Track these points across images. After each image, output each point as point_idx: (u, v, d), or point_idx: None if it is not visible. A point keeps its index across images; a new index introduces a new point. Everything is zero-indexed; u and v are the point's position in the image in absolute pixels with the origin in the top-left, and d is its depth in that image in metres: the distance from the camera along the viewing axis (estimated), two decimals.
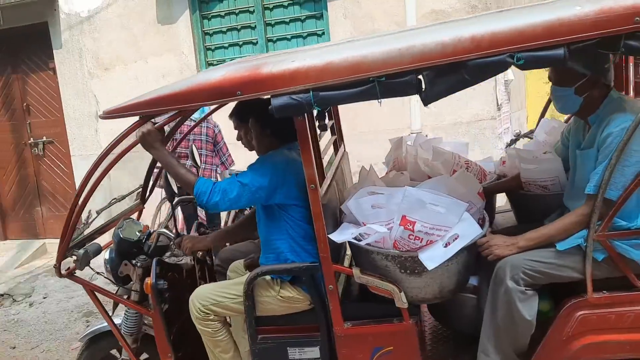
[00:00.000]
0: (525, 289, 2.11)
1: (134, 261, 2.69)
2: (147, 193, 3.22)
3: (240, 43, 5.79)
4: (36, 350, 4.37)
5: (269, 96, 2.07)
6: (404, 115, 5.27)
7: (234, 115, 2.58)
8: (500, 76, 5.01)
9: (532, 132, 3.14)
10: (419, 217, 2.06)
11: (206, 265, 3.14)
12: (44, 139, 6.93)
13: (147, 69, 6.07)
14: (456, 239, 2.10)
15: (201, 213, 4.27)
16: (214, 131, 4.60)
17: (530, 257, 2.12)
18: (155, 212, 4.56)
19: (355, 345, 2.29)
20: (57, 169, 6.95)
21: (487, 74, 1.92)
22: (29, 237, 7.18)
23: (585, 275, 2.06)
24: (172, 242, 2.72)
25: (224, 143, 4.70)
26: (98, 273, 2.74)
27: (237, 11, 5.71)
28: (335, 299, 2.24)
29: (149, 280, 2.55)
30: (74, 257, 2.56)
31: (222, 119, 3.11)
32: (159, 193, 3.40)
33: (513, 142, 3.42)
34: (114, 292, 2.87)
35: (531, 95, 7.18)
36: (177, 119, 2.42)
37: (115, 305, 2.98)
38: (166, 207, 4.34)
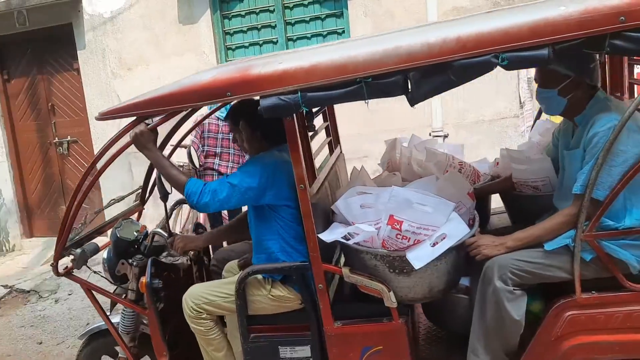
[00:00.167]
0: (514, 289, 2.11)
1: (130, 260, 2.73)
2: (147, 194, 3.27)
3: (261, 42, 5.81)
4: (62, 346, 4.45)
5: (258, 97, 2.10)
6: (425, 113, 5.24)
7: (228, 117, 2.62)
8: (523, 73, 4.96)
9: None
10: (407, 216, 2.07)
11: (203, 266, 3.18)
12: (69, 138, 7.01)
13: (168, 69, 6.09)
14: (444, 238, 2.10)
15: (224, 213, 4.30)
16: None
17: (518, 257, 2.12)
18: (177, 213, 4.58)
19: (345, 345, 2.31)
20: (82, 167, 7.02)
21: (472, 74, 1.93)
22: (54, 235, 7.17)
23: (573, 275, 2.06)
24: (166, 242, 2.75)
25: None
26: (95, 272, 2.79)
27: (257, 10, 5.74)
28: (325, 298, 2.25)
29: (144, 279, 2.58)
30: (72, 257, 2.62)
31: None
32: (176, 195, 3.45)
33: None
34: (112, 291, 2.91)
35: None
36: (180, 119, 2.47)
37: (113, 304, 3.02)
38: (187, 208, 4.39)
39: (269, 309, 2.41)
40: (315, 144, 3.00)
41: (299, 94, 2.01)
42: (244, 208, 2.85)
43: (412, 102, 1.99)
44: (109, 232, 3.02)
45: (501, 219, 2.94)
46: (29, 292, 5.70)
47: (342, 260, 2.47)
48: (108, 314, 3.00)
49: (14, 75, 7.03)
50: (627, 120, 1.89)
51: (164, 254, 2.85)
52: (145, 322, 2.86)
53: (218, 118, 4.17)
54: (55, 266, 2.56)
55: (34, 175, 7.30)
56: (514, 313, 2.11)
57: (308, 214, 2.17)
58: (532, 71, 5.02)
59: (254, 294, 2.40)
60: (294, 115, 2.11)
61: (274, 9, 5.68)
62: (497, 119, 5.07)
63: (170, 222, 4.45)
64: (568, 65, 1.94)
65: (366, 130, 5.28)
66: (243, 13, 5.82)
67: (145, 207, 3.25)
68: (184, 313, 2.53)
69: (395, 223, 2.07)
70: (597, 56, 2.09)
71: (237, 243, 3.07)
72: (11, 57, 6.99)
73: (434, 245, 2.09)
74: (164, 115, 2.26)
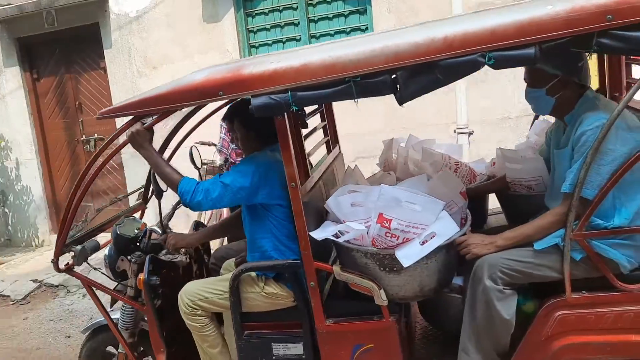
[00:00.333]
0: (503, 288, 2.11)
1: (129, 257, 2.77)
2: (150, 193, 3.31)
3: (284, 40, 5.82)
4: None
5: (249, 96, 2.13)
6: (450, 110, 5.20)
7: (225, 118, 2.66)
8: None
9: None
10: (396, 215, 2.08)
11: (203, 264, 3.23)
12: (95, 136, 7.13)
13: (193, 67, 6.00)
14: (433, 237, 2.11)
15: None
16: None
17: (508, 256, 2.11)
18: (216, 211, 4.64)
19: (336, 342, 2.32)
20: (108, 165, 7.11)
21: (459, 73, 1.94)
22: None
23: (563, 275, 2.05)
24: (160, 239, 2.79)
25: None
26: (95, 268, 2.84)
27: (280, 8, 5.75)
28: (317, 296, 2.27)
29: (142, 276, 2.63)
30: (72, 253, 2.68)
31: None
32: None
33: None
34: (113, 287, 2.97)
35: None
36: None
37: (114, 301, 3.07)
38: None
39: (263, 306, 2.44)
40: (315, 144, 3.03)
41: (289, 93, 2.04)
42: None
43: (401, 101, 2.01)
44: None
45: (498, 219, 2.94)
46: (57, 286, 5.81)
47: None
48: (110, 309, 3.06)
49: (43, 75, 7.17)
50: (615, 118, 1.87)
51: (163, 251, 2.90)
52: (145, 318, 2.91)
53: None
54: (55, 262, 2.62)
55: (62, 172, 7.44)
56: (503, 312, 2.11)
57: (299, 213, 2.19)
58: None
59: (247, 291, 2.43)
60: (285, 114, 2.13)
61: (297, 7, 5.68)
62: (522, 116, 4.96)
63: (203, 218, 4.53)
64: (555, 65, 1.94)
65: (388, 127, 5.22)
66: (266, 11, 5.84)
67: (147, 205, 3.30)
68: (179, 309, 2.57)
69: (385, 221, 2.09)
70: (586, 55, 2.07)
71: (235, 242, 3.10)
72: (40, 57, 7.13)
73: (423, 243, 2.10)
74: (158, 115, 2.30)
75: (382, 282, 2.21)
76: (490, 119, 5.15)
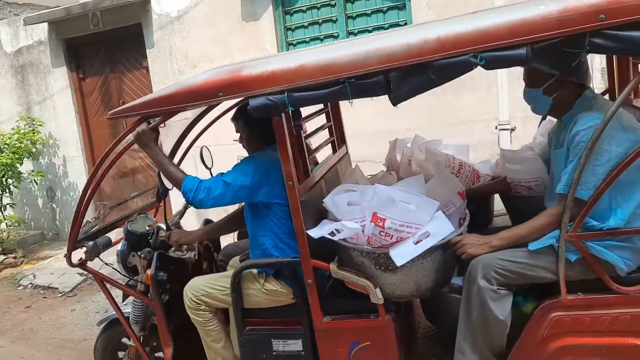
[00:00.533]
0: (498, 288, 2.11)
1: (139, 253, 2.87)
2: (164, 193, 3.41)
3: (322, 37, 5.81)
4: None
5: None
6: (491, 106, 5.09)
7: (233, 118, 2.72)
8: (597, 63, 4.71)
9: None
10: (390, 214, 2.10)
11: (213, 261, 3.30)
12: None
13: None
14: (427, 236, 2.12)
15: None
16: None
17: (503, 257, 2.11)
18: None
19: (334, 339, 2.36)
20: (151, 163, 7.21)
21: (452, 74, 1.95)
22: None
23: (558, 276, 2.04)
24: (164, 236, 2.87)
25: None
26: (107, 264, 2.95)
27: (318, 5, 5.75)
28: (314, 293, 2.31)
29: (149, 272, 2.71)
30: (84, 249, 2.79)
31: None
32: None
33: None
34: (124, 282, 3.07)
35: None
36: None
37: (125, 295, 3.17)
38: None
39: (263, 302, 2.49)
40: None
41: (286, 94, 2.09)
42: None
43: (395, 101, 2.03)
44: None
45: (504, 220, 2.92)
46: None
47: None
48: (122, 303, 3.17)
49: (88, 74, 7.37)
50: (609, 119, 1.86)
51: (173, 248, 2.98)
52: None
53: None
54: (68, 257, 2.73)
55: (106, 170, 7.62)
56: (498, 313, 2.10)
57: (297, 211, 2.24)
58: (604, 61, 4.76)
59: (248, 288, 2.48)
60: (282, 114, 2.18)
61: (335, 3, 5.66)
62: None
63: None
64: (549, 64, 1.93)
65: (430, 123, 5.12)
66: (304, 8, 5.83)
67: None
68: (184, 304, 2.64)
69: (379, 220, 2.11)
70: (584, 55, 2.05)
71: (244, 239, 3.16)
72: (86, 57, 7.33)
73: (417, 243, 2.12)
74: (162, 115, 2.37)
75: (379, 281, 2.23)
76: (532, 115, 4.96)
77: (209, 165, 3.47)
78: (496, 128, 4.96)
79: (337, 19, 5.69)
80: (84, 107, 7.43)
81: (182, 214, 3.41)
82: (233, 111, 2.72)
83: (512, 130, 5.00)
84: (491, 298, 2.11)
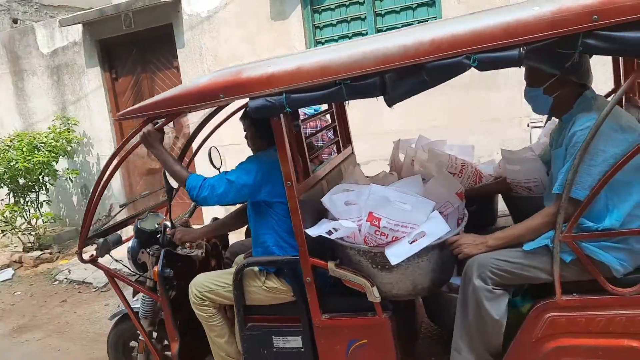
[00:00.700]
0: (493, 288, 2.11)
1: (148, 250, 2.95)
2: (175, 191, 3.49)
3: (350, 35, 5.82)
4: None
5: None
6: (523, 103, 5.01)
7: (241, 118, 2.79)
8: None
9: None
10: (385, 213, 2.13)
11: (221, 258, 3.37)
12: (169, 134, 7.29)
13: None
14: (423, 236, 2.14)
15: None
16: None
17: (498, 257, 2.12)
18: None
19: (332, 337, 2.39)
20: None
21: (446, 75, 1.97)
22: None
23: (553, 276, 2.04)
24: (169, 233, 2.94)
25: None
26: (117, 260, 3.03)
27: (347, 3, 5.76)
28: (313, 291, 2.35)
29: (156, 268, 2.79)
30: (95, 245, 2.88)
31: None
32: None
33: None
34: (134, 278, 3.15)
35: None
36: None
37: (135, 291, 3.26)
38: None
39: (264, 299, 2.54)
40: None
41: (284, 95, 2.13)
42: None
43: (390, 102, 2.05)
44: None
45: (508, 220, 2.92)
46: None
47: None
48: (133, 299, 3.26)
49: (121, 74, 7.52)
50: (603, 119, 1.85)
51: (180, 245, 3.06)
52: None
53: (305, 114, 3.87)
54: (79, 254, 2.82)
55: (139, 168, 7.73)
56: (493, 312, 2.11)
57: (295, 210, 2.28)
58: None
59: (250, 285, 2.54)
60: (281, 115, 2.23)
61: (364, 1, 5.65)
62: None
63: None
64: (551, 64, 1.92)
65: (460, 122, 5.03)
66: (333, 6, 5.85)
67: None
68: (189, 300, 2.71)
69: (374, 220, 2.14)
70: (576, 56, 2.04)
71: (249, 238, 3.22)
72: (119, 57, 7.48)
73: (412, 242, 2.14)
74: (166, 117, 2.44)
75: (375, 280, 2.26)
76: None
77: (218, 166, 3.54)
78: (528, 125, 4.90)
79: (365, 16, 5.67)
80: (116, 106, 7.55)
81: (191, 212, 3.49)
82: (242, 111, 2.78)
83: (543, 128, 4.92)
84: (486, 298, 2.11)
